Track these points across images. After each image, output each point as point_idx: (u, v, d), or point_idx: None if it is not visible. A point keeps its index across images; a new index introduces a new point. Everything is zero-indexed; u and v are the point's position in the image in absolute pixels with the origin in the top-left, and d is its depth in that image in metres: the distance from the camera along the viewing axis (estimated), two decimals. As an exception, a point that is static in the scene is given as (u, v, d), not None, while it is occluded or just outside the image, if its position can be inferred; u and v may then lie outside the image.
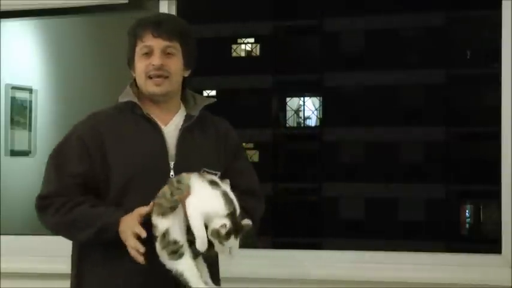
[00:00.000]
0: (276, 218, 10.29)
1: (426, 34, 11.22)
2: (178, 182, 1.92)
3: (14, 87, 4.19)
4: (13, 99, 4.19)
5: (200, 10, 3.45)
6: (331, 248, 9.75)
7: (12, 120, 4.19)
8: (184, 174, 1.94)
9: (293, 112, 11.60)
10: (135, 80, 2.11)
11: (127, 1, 3.15)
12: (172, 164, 2.04)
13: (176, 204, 1.90)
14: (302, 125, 11.71)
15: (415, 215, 11.10)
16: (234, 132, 2.20)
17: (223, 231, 1.84)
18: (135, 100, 2.07)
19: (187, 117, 2.09)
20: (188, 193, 1.90)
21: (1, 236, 3.24)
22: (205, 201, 1.89)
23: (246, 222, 1.91)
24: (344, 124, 11.45)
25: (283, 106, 11.63)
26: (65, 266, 3.10)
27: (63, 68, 4.72)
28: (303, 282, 2.87)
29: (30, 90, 4.35)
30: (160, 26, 2.03)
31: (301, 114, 11.60)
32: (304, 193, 11.41)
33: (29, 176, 4.36)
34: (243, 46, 12.21)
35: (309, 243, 9.99)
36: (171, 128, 2.08)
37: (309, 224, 10.83)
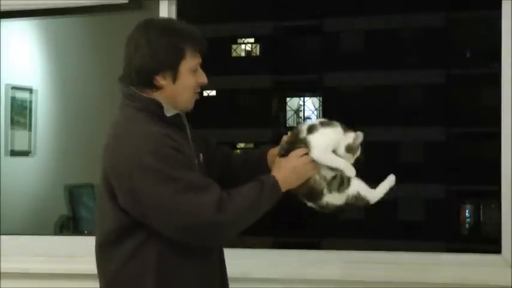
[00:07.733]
0: (276, 218, 10.28)
1: (426, 34, 11.21)
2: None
3: (14, 87, 4.20)
4: (13, 99, 4.19)
5: (200, 10, 3.44)
6: (331, 248, 9.74)
7: (12, 120, 4.19)
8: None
9: (293, 112, 11.58)
10: (139, 88, 1.98)
11: (127, 1, 3.15)
12: (201, 156, 2.06)
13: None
14: (302, 125, 11.71)
15: (415, 215, 11.08)
16: None
17: (356, 142, 2.03)
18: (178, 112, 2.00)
19: (184, 115, 2.06)
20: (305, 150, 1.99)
21: (1, 236, 3.24)
22: (324, 138, 2.02)
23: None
24: (344, 124, 11.43)
25: (283, 106, 11.61)
26: (64, 266, 3.10)
27: (63, 68, 4.73)
28: (303, 282, 2.86)
29: (30, 90, 4.36)
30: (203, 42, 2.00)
31: (301, 114, 11.58)
32: (304, 193, 11.40)
33: (29, 176, 4.37)
34: (243, 46, 12.20)
35: (308, 243, 9.98)
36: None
37: (308, 224, 10.81)
